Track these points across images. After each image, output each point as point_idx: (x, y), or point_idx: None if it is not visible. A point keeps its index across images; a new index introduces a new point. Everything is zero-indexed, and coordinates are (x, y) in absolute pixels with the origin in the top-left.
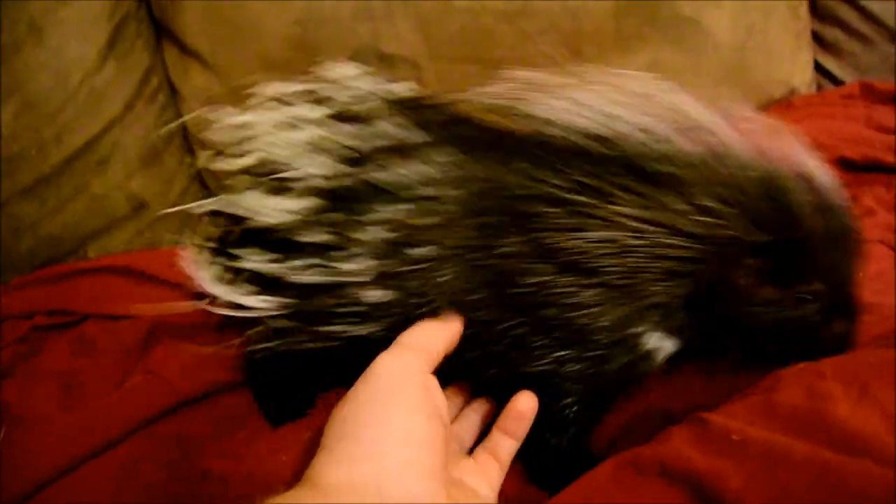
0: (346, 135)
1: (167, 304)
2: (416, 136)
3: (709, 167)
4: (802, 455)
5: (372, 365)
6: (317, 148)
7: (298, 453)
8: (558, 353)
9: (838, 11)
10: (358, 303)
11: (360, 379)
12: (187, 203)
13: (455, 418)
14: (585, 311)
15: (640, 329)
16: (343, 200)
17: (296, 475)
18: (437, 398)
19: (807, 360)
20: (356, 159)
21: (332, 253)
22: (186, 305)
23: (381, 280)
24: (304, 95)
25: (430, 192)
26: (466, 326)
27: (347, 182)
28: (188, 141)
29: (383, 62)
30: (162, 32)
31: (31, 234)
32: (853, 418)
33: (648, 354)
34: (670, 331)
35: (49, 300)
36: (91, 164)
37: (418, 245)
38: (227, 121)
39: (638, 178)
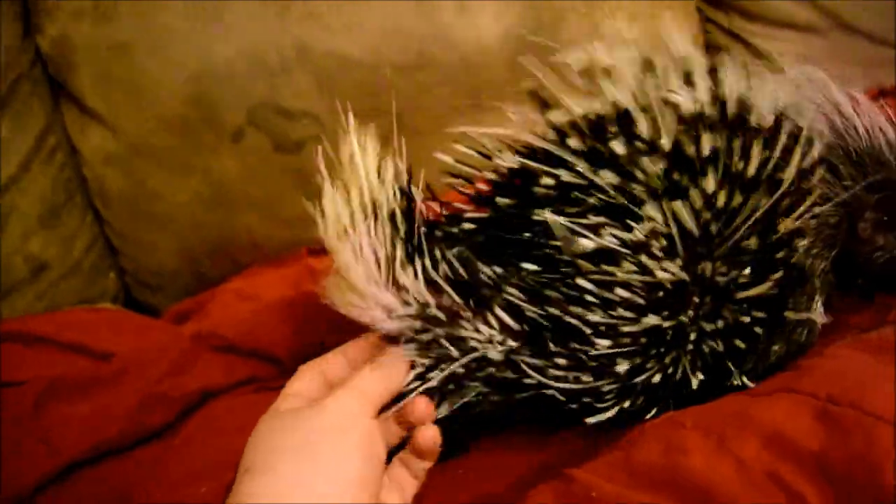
0: None
1: None
2: None
3: (842, 141)
4: None
5: (319, 405)
6: None
7: None
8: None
9: (738, 53)
10: None
11: (302, 414)
12: (89, 262)
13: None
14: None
15: (814, 300)
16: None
17: None
18: (377, 443)
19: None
20: None
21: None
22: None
23: None
24: None
25: None
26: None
27: None
28: (89, 198)
29: (282, 116)
30: (60, 91)
31: None
32: (707, 470)
33: (817, 325)
34: (824, 297)
35: None
36: None
37: None
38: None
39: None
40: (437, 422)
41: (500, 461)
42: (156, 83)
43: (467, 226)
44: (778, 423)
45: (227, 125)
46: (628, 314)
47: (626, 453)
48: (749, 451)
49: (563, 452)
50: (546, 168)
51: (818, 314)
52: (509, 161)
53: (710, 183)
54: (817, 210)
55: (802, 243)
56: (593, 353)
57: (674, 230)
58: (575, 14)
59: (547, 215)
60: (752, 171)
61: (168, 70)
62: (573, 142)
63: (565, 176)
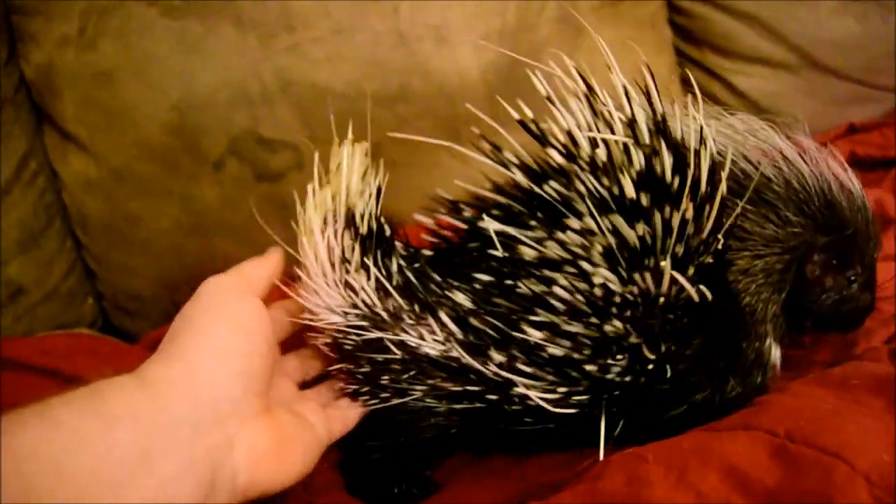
0: None
1: None
2: None
3: (788, 186)
4: None
5: (204, 283)
6: None
7: None
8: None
9: (712, 88)
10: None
11: (195, 294)
12: (67, 287)
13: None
14: (743, 339)
15: (767, 344)
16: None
17: None
18: (261, 319)
19: (843, 329)
20: None
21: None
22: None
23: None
24: None
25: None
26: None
27: None
28: (69, 224)
29: (263, 146)
30: (42, 117)
31: None
32: (668, 501)
33: (773, 367)
34: (778, 339)
35: None
36: None
37: None
38: None
39: (749, 201)
40: (399, 463)
41: (468, 497)
42: (138, 111)
43: (427, 253)
44: (735, 459)
45: (209, 154)
46: (568, 318)
47: (592, 486)
48: (708, 484)
49: (530, 486)
50: (498, 197)
51: (774, 357)
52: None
53: (644, 199)
54: (764, 251)
55: (742, 255)
56: (531, 343)
57: (612, 241)
58: (551, 48)
59: (486, 222)
60: (676, 184)
61: (150, 98)
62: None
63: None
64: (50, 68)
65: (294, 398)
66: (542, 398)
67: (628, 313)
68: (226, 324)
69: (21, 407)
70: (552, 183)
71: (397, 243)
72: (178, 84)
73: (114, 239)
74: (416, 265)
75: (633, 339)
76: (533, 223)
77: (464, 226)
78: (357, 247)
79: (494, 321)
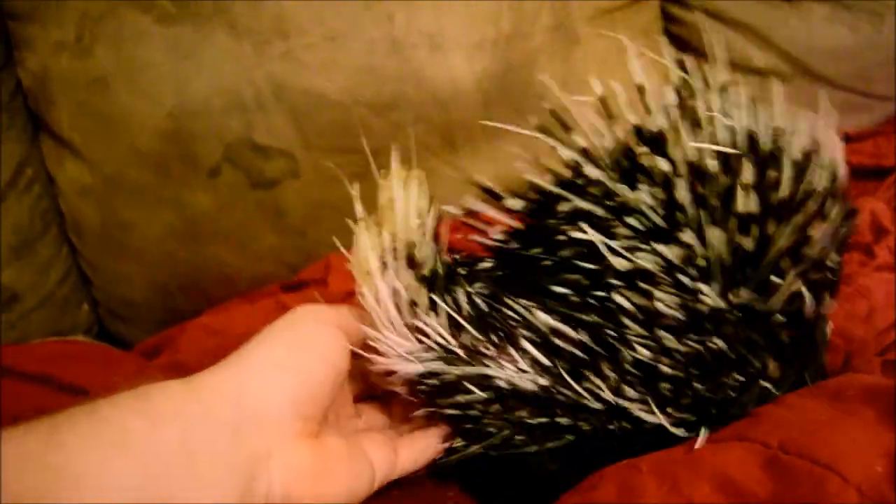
0: None
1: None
2: None
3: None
4: None
5: (296, 307)
6: None
7: None
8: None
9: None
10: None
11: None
12: (62, 293)
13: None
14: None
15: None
16: None
17: None
18: (336, 349)
19: None
20: None
21: None
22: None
23: None
24: None
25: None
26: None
27: None
28: (65, 230)
29: (257, 153)
30: (38, 124)
31: None
32: None
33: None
34: None
35: None
36: None
37: None
38: None
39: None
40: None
41: None
42: (132, 118)
43: (486, 265)
44: (728, 469)
45: (203, 161)
46: (668, 334)
47: (585, 497)
48: (700, 494)
49: None
50: (567, 194)
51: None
52: (517, 204)
53: (750, 205)
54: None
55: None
56: (629, 367)
57: (718, 252)
58: (545, 56)
59: (590, 233)
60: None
61: (145, 105)
62: (592, 170)
63: (584, 203)
64: (45, 75)
65: (358, 429)
66: (656, 419)
67: (731, 329)
68: (294, 343)
69: (17, 414)
70: (643, 187)
71: (452, 259)
72: (173, 91)
73: (108, 246)
74: (484, 288)
75: (745, 354)
76: (620, 230)
77: (518, 224)
78: (422, 285)
79: (587, 339)
